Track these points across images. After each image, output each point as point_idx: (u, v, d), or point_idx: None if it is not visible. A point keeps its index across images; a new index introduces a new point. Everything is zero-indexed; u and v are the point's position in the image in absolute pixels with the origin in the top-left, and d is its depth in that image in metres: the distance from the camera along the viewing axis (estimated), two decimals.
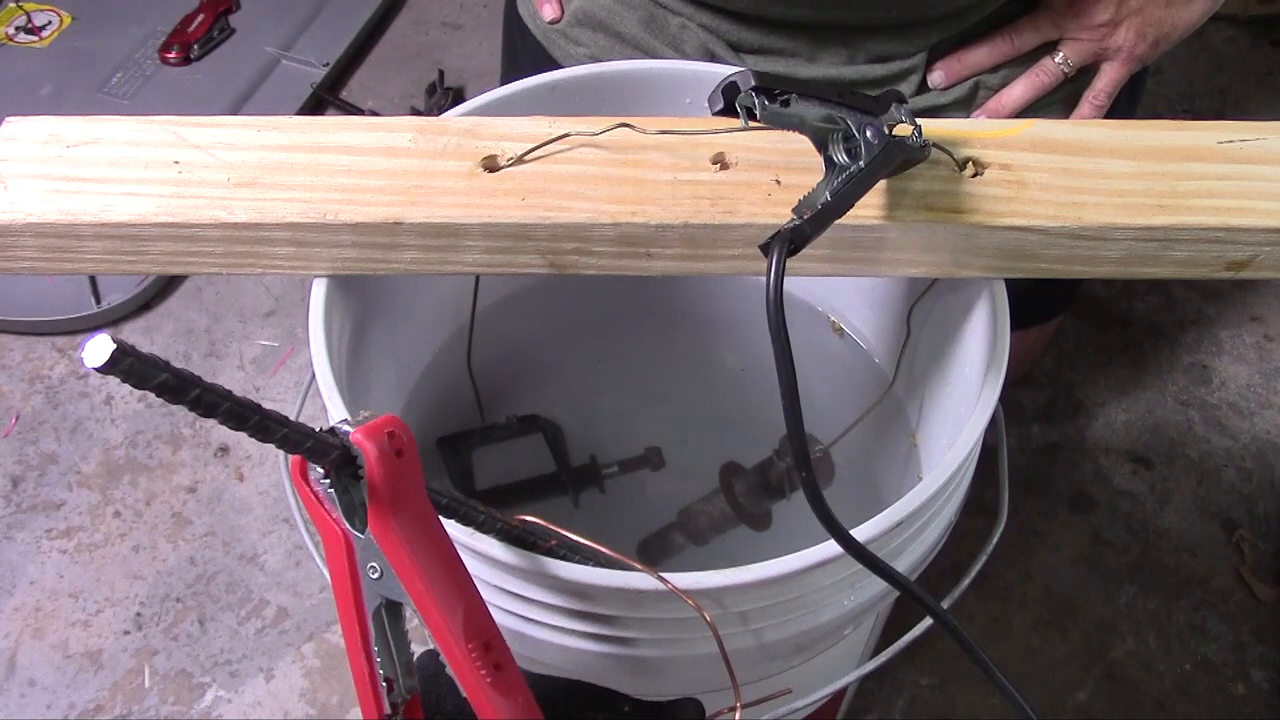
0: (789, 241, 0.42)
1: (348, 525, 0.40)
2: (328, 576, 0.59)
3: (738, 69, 0.43)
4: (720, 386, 0.84)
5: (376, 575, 0.41)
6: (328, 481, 0.40)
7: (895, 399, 0.71)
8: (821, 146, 0.46)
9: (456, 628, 0.41)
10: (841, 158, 0.46)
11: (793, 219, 0.44)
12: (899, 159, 0.48)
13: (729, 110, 0.43)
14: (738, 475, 0.77)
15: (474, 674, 0.41)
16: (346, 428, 0.39)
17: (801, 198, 0.45)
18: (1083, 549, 1.22)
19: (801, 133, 0.46)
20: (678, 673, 0.53)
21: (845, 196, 0.45)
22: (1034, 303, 1.10)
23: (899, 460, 0.71)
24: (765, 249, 0.43)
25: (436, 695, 0.47)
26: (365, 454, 0.38)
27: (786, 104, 0.44)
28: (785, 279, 0.41)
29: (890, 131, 0.46)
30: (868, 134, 0.45)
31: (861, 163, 0.45)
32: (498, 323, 0.72)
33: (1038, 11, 0.77)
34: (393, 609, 0.42)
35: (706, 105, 0.44)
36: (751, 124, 0.43)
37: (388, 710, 0.43)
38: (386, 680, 0.43)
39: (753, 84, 0.42)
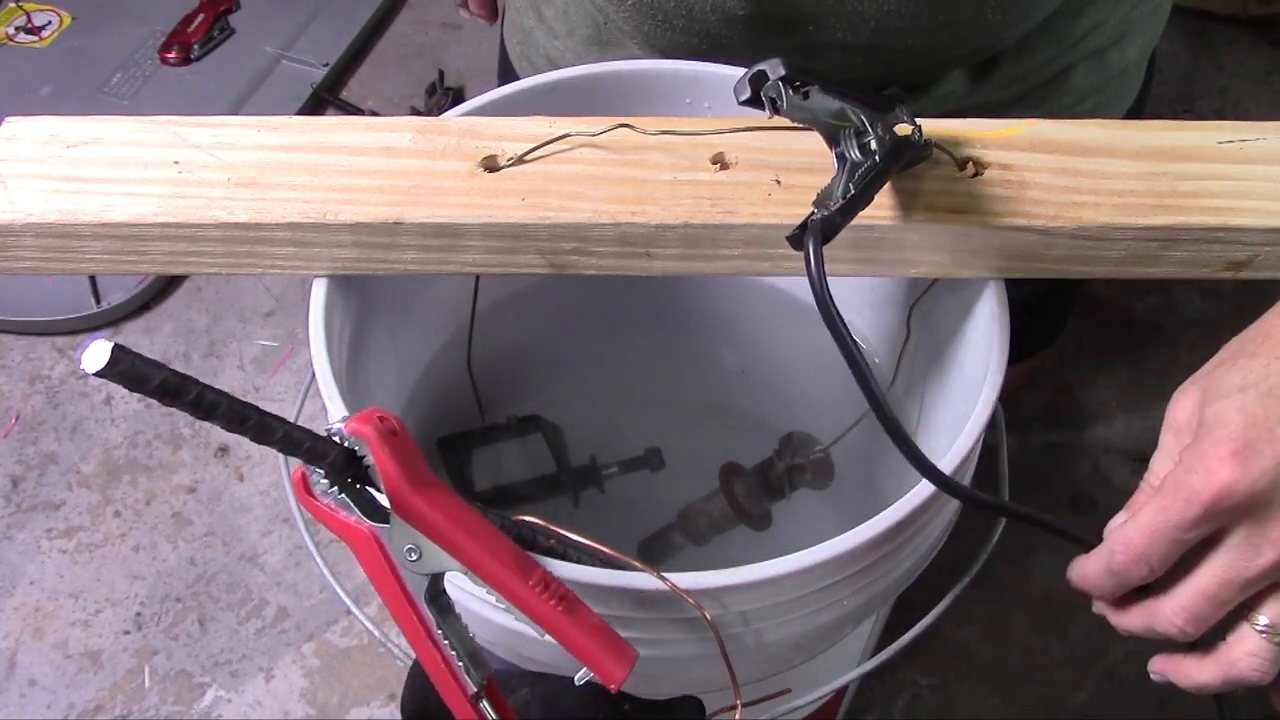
0: (821, 232, 0.42)
1: (369, 522, 0.41)
2: (329, 577, 0.59)
3: (765, 61, 0.43)
4: (720, 386, 0.84)
5: (415, 556, 0.41)
6: (335, 489, 0.40)
7: (895, 399, 0.71)
8: (833, 142, 0.46)
9: (515, 571, 0.41)
10: (855, 154, 0.46)
11: (815, 211, 0.43)
12: (906, 156, 0.48)
13: (755, 100, 0.43)
14: (738, 475, 0.77)
15: (547, 608, 0.41)
16: (338, 425, 0.39)
17: (820, 191, 0.45)
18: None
19: (814, 127, 0.46)
20: (678, 672, 0.53)
21: (866, 188, 0.45)
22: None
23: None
24: (795, 242, 0.42)
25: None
26: (365, 437, 0.39)
27: (806, 96, 0.43)
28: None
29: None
30: (878, 130, 0.45)
31: (877, 158, 0.45)
32: (498, 323, 0.72)
33: None
34: (438, 600, 0.42)
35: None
36: (761, 124, 0.43)
37: (473, 689, 0.43)
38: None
39: (782, 73, 0.42)
